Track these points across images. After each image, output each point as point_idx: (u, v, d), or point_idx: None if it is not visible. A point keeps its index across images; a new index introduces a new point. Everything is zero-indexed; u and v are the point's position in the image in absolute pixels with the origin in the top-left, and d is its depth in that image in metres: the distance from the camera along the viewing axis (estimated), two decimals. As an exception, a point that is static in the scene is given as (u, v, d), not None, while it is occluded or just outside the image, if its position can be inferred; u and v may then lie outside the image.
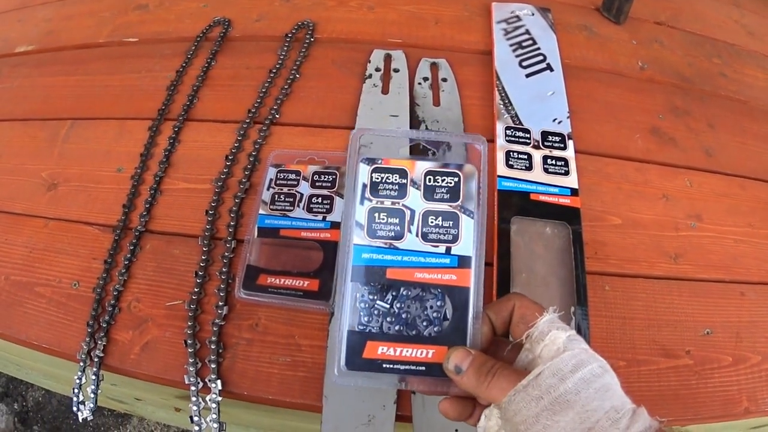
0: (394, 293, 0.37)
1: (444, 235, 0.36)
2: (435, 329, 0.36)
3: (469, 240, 0.36)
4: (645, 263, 0.53)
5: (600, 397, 0.30)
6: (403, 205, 0.37)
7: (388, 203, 0.37)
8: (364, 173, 0.37)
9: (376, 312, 0.36)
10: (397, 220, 0.37)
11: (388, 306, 0.36)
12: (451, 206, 0.37)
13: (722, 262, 0.55)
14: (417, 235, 0.36)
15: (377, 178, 0.37)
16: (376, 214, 0.37)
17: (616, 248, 0.54)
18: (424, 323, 0.36)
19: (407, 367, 0.35)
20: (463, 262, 0.36)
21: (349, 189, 0.37)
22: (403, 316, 0.36)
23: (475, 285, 0.36)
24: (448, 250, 0.36)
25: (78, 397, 0.51)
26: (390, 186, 0.37)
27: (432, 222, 0.37)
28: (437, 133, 0.44)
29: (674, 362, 0.49)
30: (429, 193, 0.37)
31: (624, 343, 0.49)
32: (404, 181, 0.37)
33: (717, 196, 0.59)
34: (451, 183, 0.37)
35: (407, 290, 0.36)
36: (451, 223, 0.36)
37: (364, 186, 0.37)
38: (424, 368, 0.35)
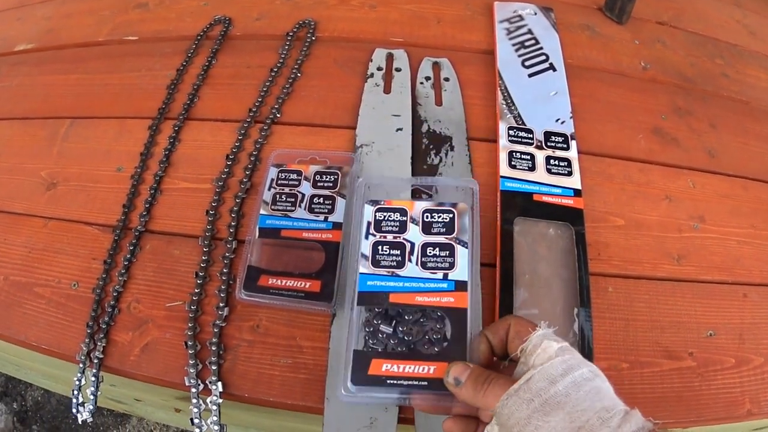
0: (397, 318, 0.40)
1: (441, 263, 0.41)
2: (435, 349, 0.39)
3: (464, 266, 0.40)
4: (648, 264, 0.53)
5: (590, 399, 0.30)
6: (404, 238, 0.42)
7: (390, 237, 0.42)
8: (368, 213, 0.43)
9: (380, 335, 0.40)
10: (398, 252, 0.41)
11: (391, 330, 0.40)
12: (447, 238, 0.42)
13: (725, 264, 0.54)
14: (417, 264, 0.41)
15: (380, 217, 0.43)
16: (380, 247, 0.42)
17: (619, 249, 0.54)
18: (425, 346, 0.39)
19: (410, 382, 0.37)
20: (459, 286, 0.40)
21: (356, 227, 0.43)
22: (406, 338, 0.39)
23: (471, 306, 0.39)
24: (446, 275, 0.40)
25: (77, 398, 0.51)
26: (392, 223, 0.42)
27: (430, 252, 0.41)
28: (434, 179, 0.48)
29: (677, 364, 0.49)
30: (427, 228, 0.42)
31: (627, 344, 0.49)
32: (404, 218, 0.43)
33: (719, 197, 0.59)
34: (446, 219, 0.42)
35: (409, 315, 0.40)
36: (447, 252, 0.41)
37: (369, 223, 0.43)
38: (426, 383, 0.37)
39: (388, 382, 0.38)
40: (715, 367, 0.49)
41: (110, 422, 1.11)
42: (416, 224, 0.43)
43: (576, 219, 0.52)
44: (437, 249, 0.41)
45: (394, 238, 0.42)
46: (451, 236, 0.42)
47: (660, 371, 0.48)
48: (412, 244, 0.42)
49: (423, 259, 0.41)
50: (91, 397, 0.50)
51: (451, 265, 0.41)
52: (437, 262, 0.41)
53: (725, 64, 0.73)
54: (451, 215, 0.43)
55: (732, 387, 0.48)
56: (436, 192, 0.47)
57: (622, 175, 0.59)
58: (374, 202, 0.44)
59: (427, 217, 0.43)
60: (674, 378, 0.48)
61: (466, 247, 0.41)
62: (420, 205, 0.43)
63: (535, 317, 0.47)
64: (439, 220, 0.42)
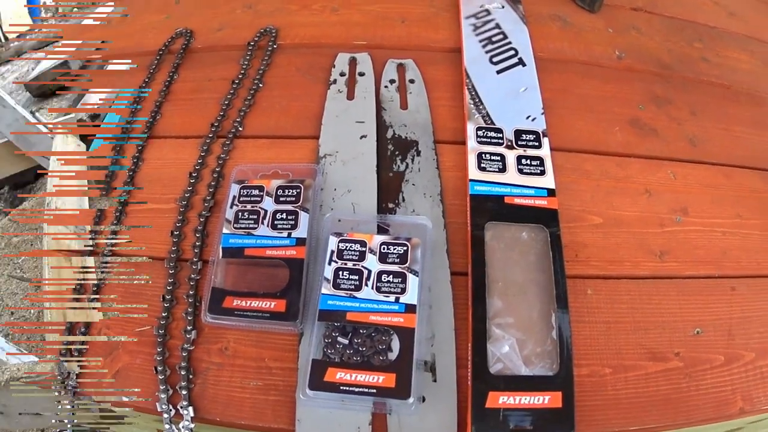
0: (352, 331, 0.45)
1: (394, 288, 0.46)
2: (384, 360, 0.43)
3: (414, 292, 0.46)
4: (629, 263, 0.51)
5: None
6: (362, 266, 0.47)
7: (350, 264, 0.47)
8: (333, 243, 0.48)
9: (338, 345, 0.44)
10: (356, 277, 0.47)
11: (347, 342, 0.44)
12: (401, 267, 0.47)
13: (711, 257, 0.53)
14: (372, 288, 0.46)
15: (342, 247, 0.48)
16: (341, 272, 0.47)
17: (598, 249, 0.52)
18: (377, 356, 0.44)
19: (361, 389, 0.42)
20: (409, 308, 0.45)
21: (321, 255, 0.48)
22: (360, 349, 0.44)
23: (419, 325, 0.44)
24: (397, 299, 0.46)
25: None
26: (352, 252, 0.48)
27: (385, 279, 0.46)
28: (392, 217, 0.52)
29: (663, 365, 0.47)
30: (383, 258, 0.47)
31: (609, 348, 0.47)
32: (364, 249, 0.48)
33: (702, 187, 0.57)
34: (401, 251, 0.48)
35: (363, 329, 0.45)
36: (400, 279, 0.46)
37: (332, 251, 0.48)
38: (375, 391, 0.42)
39: (341, 388, 0.42)
40: (703, 366, 0.47)
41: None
42: (374, 254, 0.47)
43: (550, 220, 0.50)
44: (391, 276, 0.46)
45: (354, 265, 0.47)
46: (404, 266, 0.47)
47: (645, 374, 0.47)
48: (369, 271, 0.47)
49: (378, 284, 0.46)
50: (68, 424, 0.49)
51: (403, 290, 0.46)
52: (390, 287, 0.46)
53: (704, 47, 0.71)
54: (405, 248, 0.48)
55: (722, 385, 0.47)
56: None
57: (599, 171, 0.57)
58: (338, 234, 0.49)
59: (383, 249, 0.48)
60: (660, 380, 0.46)
61: (417, 276, 0.46)
62: (378, 239, 0.48)
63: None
64: (394, 251, 0.47)
